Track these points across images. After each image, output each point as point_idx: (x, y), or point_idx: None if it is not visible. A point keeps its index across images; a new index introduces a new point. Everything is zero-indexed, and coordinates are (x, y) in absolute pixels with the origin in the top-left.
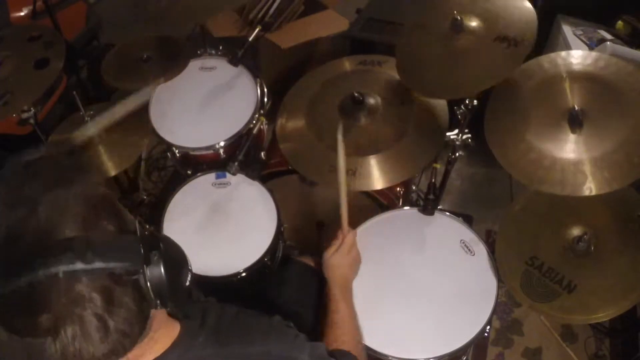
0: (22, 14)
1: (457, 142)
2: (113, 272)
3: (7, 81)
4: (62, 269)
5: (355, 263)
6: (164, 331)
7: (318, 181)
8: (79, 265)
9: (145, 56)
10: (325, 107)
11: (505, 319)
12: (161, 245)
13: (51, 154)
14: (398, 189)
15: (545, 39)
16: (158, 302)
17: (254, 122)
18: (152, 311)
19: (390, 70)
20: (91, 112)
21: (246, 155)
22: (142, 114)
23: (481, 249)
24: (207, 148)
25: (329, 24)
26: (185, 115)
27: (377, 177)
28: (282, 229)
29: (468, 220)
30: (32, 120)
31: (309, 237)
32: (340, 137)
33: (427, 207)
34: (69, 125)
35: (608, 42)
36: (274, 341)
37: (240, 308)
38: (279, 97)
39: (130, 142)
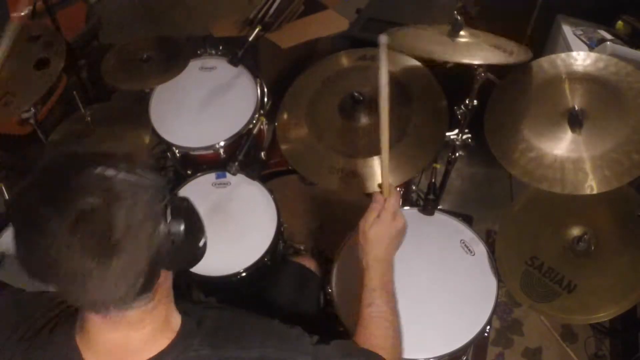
0: (22, 14)
1: (457, 142)
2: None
3: (8, 82)
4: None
5: (400, 234)
6: (165, 316)
7: (318, 181)
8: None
9: (145, 56)
10: (325, 107)
11: (505, 319)
12: (185, 205)
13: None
14: (398, 188)
15: (545, 39)
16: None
17: (254, 122)
18: (162, 272)
19: (390, 66)
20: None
21: (246, 155)
22: (142, 114)
23: (481, 249)
24: (207, 148)
25: (329, 24)
26: (185, 115)
27: (377, 177)
28: (282, 229)
29: (468, 220)
30: (32, 120)
31: (309, 237)
32: (383, 63)
33: (427, 207)
34: (69, 125)
35: (608, 42)
36: (272, 345)
37: (238, 311)
38: (279, 97)
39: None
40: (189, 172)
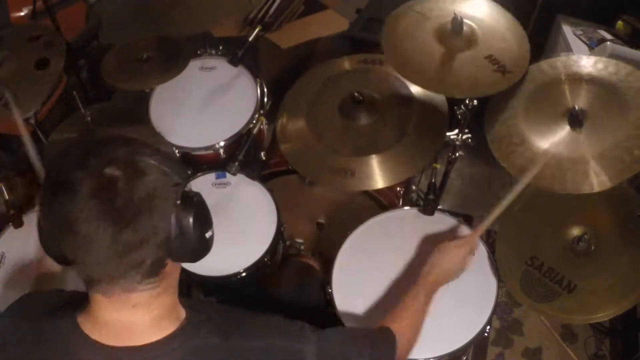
0: (22, 14)
1: (457, 142)
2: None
3: (8, 82)
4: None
5: (458, 269)
6: (171, 305)
7: (318, 182)
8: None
9: (145, 56)
10: (325, 107)
11: (505, 319)
12: (196, 199)
13: None
14: (398, 189)
15: (545, 39)
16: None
17: (254, 122)
18: (168, 262)
19: (391, 70)
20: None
21: (246, 155)
22: (142, 114)
23: (481, 249)
24: (207, 148)
25: (329, 24)
26: (185, 115)
27: (377, 177)
28: (282, 229)
29: (468, 220)
30: (32, 121)
31: (309, 237)
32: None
33: (427, 207)
34: (69, 125)
35: (608, 42)
36: (277, 335)
37: (240, 309)
38: (279, 97)
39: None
40: (189, 172)
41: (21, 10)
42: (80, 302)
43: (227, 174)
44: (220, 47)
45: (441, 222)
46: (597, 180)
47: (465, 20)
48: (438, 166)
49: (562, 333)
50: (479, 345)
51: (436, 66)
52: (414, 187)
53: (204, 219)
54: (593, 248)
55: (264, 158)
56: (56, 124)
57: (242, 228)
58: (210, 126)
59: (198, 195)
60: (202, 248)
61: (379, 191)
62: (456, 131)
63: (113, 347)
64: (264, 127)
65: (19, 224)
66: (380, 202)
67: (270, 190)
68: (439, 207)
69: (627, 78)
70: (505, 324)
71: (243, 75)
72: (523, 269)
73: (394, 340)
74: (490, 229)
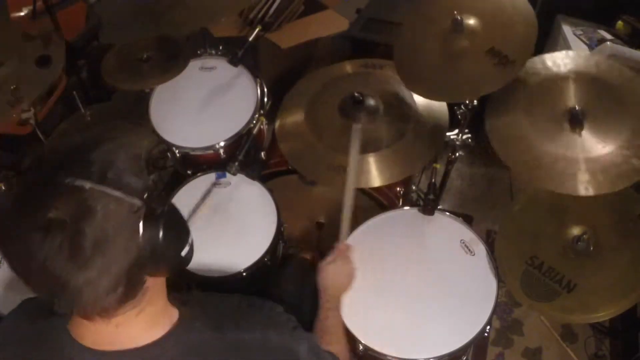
0: (22, 13)
1: (457, 142)
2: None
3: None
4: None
5: (347, 278)
6: (158, 311)
7: (318, 181)
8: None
9: (145, 56)
10: (325, 107)
11: (505, 319)
12: (166, 207)
13: None
14: (398, 189)
15: (545, 39)
16: (148, 258)
17: (254, 122)
18: (148, 279)
19: (391, 73)
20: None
21: (246, 155)
22: (142, 114)
23: (481, 249)
24: (207, 148)
25: (329, 24)
26: (185, 115)
27: (375, 175)
28: (282, 229)
29: (468, 220)
30: (32, 121)
31: (309, 237)
32: (354, 149)
33: (427, 207)
34: (69, 125)
35: (608, 42)
36: (273, 331)
37: (242, 296)
38: (279, 97)
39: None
40: (189, 172)
41: (21, 10)
42: None
43: (227, 174)
44: (220, 47)
45: (441, 222)
46: (594, 184)
47: (465, 16)
48: (438, 166)
49: (562, 333)
50: (479, 345)
51: (441, 75)
52: (414, 187)
53: (177, 230)
54: (593, 247)
55: (264, 158)
56: (56, 124)
57: (242, 228)
58: (210, 126)
59: (166, 205)
60: (181, 258)
61: (379, 191)
62: (456, 131)
63: (104, 352)
64: (264, 127)
65: None
66: (380, 202)
67: (270, 190)
68: (439, 207)
69: (627, 79)
70: (505, 324)
71: (243, 75)
72: (523, 268)
73: None
74: (490, 229)
